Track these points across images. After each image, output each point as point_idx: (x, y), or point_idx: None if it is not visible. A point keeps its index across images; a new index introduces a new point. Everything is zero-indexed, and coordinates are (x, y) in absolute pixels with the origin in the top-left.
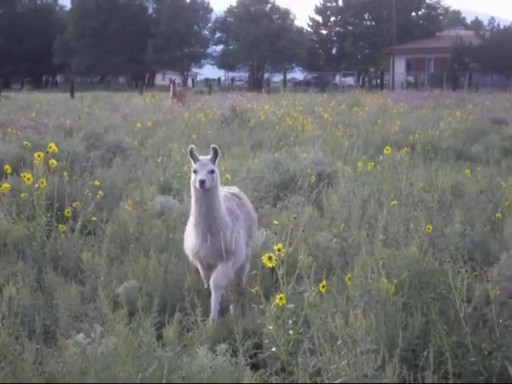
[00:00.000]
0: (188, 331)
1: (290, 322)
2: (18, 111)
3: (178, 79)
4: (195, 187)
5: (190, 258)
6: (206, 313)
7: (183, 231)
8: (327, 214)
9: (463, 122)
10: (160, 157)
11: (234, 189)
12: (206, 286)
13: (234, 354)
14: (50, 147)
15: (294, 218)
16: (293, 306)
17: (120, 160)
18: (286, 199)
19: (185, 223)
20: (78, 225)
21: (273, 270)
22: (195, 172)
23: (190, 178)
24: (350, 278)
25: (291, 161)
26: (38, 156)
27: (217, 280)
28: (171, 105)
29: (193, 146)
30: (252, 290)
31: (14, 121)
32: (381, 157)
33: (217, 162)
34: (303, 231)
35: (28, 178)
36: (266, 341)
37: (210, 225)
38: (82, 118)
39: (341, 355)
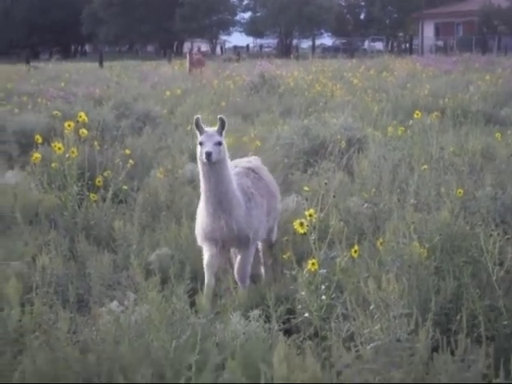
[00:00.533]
0: (221, 298)
1: (323, 287)
2: (46, 81)
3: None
4: (201, 160)
5: (201, 239)
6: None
7: None
8: (358, 180)
9: (493, 85)
10: (189, 125)
11: (254, 160)
12: (205, 261)
13: (267, 320)
14: (80, 116)
15: (325, 183)
16: (325, 271)
17: (150, 128)
18: (317, 165)
19: None
20: (110, 194)
21: (304, 235)
22: (201, 144)
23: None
24: (381, 243)
25: (321, 127)
26: (69, 125)
27: (240, 274)
28: (189, 73)
29: (199, 116)
30: (284, 256)
31: (43, 91)
32: (411, 121)
33: (224, 133)
34: (334, 197)
35: (59, 148)
36: (299, 306)
37: (220, 201)
38: (111, 87)
39: (374, 320)
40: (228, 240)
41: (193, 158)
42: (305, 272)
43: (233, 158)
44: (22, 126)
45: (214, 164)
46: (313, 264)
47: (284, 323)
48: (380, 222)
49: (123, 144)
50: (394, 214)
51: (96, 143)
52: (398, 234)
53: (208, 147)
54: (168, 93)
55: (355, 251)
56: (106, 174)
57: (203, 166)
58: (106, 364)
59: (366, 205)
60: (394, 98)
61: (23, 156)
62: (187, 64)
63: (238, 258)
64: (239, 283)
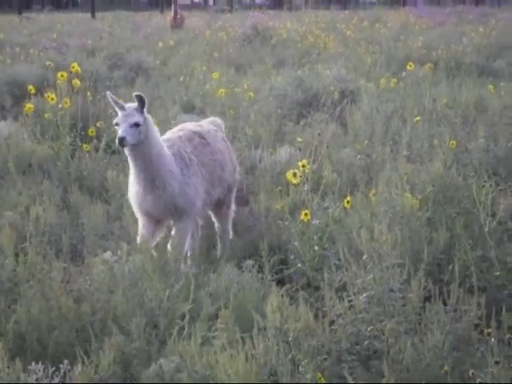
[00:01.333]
0: (214, 248)
1: (315, 237)
2: (39, 32)
3: None
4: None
5: (135, 209)
6: (233, 229)
7: None
8: (351, 131)
9: (486, 37)
10: (182, 76)
11: (208, 123)
12: (138, 237)
13: (260, 270)
14: (73, 67)
15: (318, 134)
16: (318, 221)
17: (142, 79)
18: (309, 116)
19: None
20: (102, 144)
21: (297, 186)
22: (117, 125)
23: (212, 96)
24: (374, 194)
25: (314, 78)
26: (62, 76)
27: (176, 249)
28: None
29: (108, 92)
30: (277, 207)
31: (35, 42)
32: (404, 73)
33: (145, 110)
34: (327, 148)
35: (52, 98)
36: (292, 257)
37: (152, 179)
38: (103, 38)
39: (366, 270)
40: (162, 212)
41: (186, 109)
42: (298, 222)
43: (225, 109)
44: (14, 76)
45: (134, 147)
46: (305, 214)
47: (277, 273)
48: (373, 173)
49: (116, 95)
50: (387, 165)
51: (89, 94)
52: (391, 185)
53: (121, 131)
54: (161, 44)
55: (348, 202)
56: (98, 124)
57: (125, 150)
58: (99, 313)
59: (358, 156)
60: (387, 49)
61: (16, 107)
62: (172, 12)
63: (173, 232)
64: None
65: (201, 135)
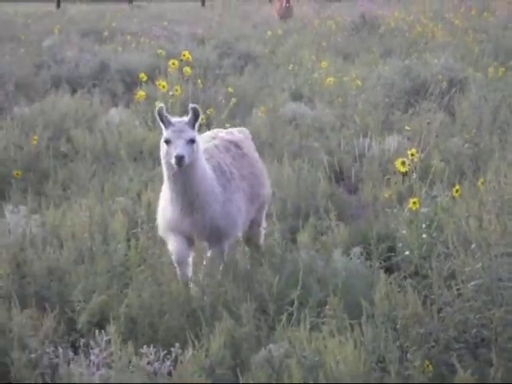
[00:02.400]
0: (322, 235)
1: (424, 226)
2: (149, 20)
3: None
4: (168, 163)
5: (164, 230)
6: (341, 217)
7: (316, 138)
8: (459, 120)
9: None
10: (291, 64)
11: (238, 132)
12: (173, 256)
13: (368, 257)
14: (184, 55)
15: (428, 123)
16: (426, 210)
17: (251, 68)
18: (417, 105)
19: (318, 129)
20: None
21: (406, 174)
22: (167, 142)
23: (320, 84)
24: (482, 183)
25: (422, 67)
26: (173, 64)
27: (210, 273)
28: (277, 15)
29: (162, 105)
30: (385, 195)
31: (146, 30)
32: None
33: (197, 125)
34: (436, 136)
35: (163, 86)
36: (400, 245)
37: (191, 202)
38: (213, 27)
39: (475, 258)
40: (200, 234)
41: (294, 97)
42: (406, 211)
43: (333, 97)
44: (125, 64)
45: (184, 168)
46: (414, 203)
47: (385, 261)
48: (481, 162)
49: (225, 83)
50: (495, 154)
51: (199, 81)
52: (499, 174)
53: (179, 149)
54: (269, 33)
55: (456, 191)
56: (208, 111)
57: (170, 167)
58: (209, 297)
59: (466, 145)
60: (494, 38)
61: (127, 94)
62: (277, 7)
63: (209, 254)
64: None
65: (237, 144)
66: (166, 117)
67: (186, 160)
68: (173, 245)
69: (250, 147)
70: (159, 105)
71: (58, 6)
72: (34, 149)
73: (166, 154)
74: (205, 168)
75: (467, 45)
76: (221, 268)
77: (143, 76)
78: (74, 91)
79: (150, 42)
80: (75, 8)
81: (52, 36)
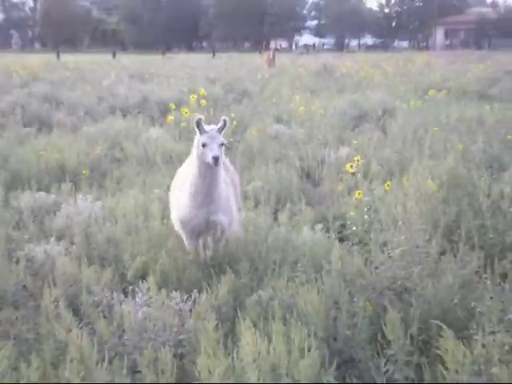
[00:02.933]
0: (295, 216)
1: (365, 209)
2: (176, 67)
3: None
4: (204, 162)
5: (179, 226)
6: (308, 203)
7: (292, 149)
8: (389, 137)
9: (484, 72)
10: (274, 98)
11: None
12: (190, 250)
13: (327, 231)
14: (201, 91)
15: (368, 139)
16: (367, 199)
17: (247, 100)
18: (361, 126)
19: (293, 143)
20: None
21: (353, 174)
22: (204, 146)
23: (295, 112)
24: (406, 180)
25: (364, 100)
26: (193, 97)
27: (214, 248)
28: (266, 65)
29: (200, 116)
30: (339, 188)
31: (174, 73)
32: (426, 97)
33: (222, 132)
34: (374, 148)
35: (186, 112)
36: (349, 222)
37: (210, 195)
38: (220, 72)
39: (400, 232)
40: (207, 227)
41: (277, 121)
42: (353, 199)
43: (303, 121)
44: (160, 97)
45: (218, 166)
46: (359, 194)
47: (338, 233)
48: (405, 166)
49: (229, 110)
50: (415, 161)
51: (211, 110)
52: (418, 175)
53: (215, 150)
54: (259, 76)
55: (387, 185)
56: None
57: (203, 165)
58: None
59: (395, 154)
60: (415, 80)
61: (161, 118)
62: (269, 55)
63: (212, 245)
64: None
65: (224, 162)
66: (202, 125)
67: (220, 160)
68: (187, 239)
69: (227, 161)
70: (198, 116)
71: (114, 56)
72: (96, 155)
73: (202, 155)
74: (221, 171)
75: (396, 85)
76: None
77: (172, 105)
78: (124, 116)
79: (177, 82)
80: (126, 58)
81: (109, 77)
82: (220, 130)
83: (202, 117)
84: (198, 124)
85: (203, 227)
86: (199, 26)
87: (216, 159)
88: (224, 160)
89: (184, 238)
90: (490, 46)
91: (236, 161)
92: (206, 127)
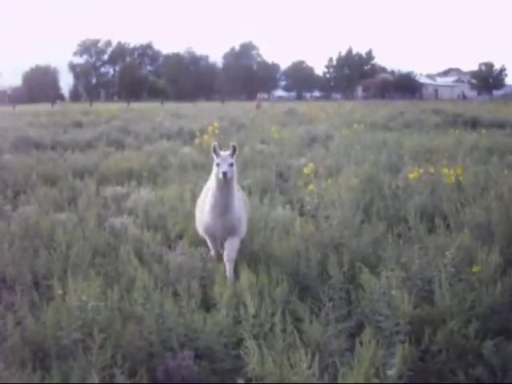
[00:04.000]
0: (272, 199)
1: (316, 196)
2: (200, 109)
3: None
4: (218, 177)
5: (203, 232)
6: (281, 192)
7: (270, 159)
8: (330, 152)
9: (387, 112)
10: (260, 128)
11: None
12: (213, 253)
13: (293, 209)
14: (214, 125)
15: (317, 152)
16: (316, 189)
17: (243, 130)
18: (313, 145)
19: (271, 155)
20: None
21: (308, 174)
22: (218, 165)
23: (272, 136)
24: (340, 179)
25: (314, 129)
26: (210, 128)
27: (229, 255)
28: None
29: (215, 143)
30: (299, 183)
31: (198, 114)
32: (352, 128)
33: (235, 157)
34: (321, 158)
35: (206, 138)
36: (306, 203)
37: (226, 205)
38: (227, 113)
39: (336, 209)
40: (225, 232)
41: (262, 142)
42: (308, 190)
43: (277, 142)
44: (190, 128)
45: (228, 180)
46: (311, 186)
47: (300, 210)
48: (339, 169)
49: (232, 136)
50: (345, 166)
51: (222, 136)
52: (347, 175)
53: (224, 168)
54: (250, 115)
55: (329, 181)
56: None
57: (219, 181)
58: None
59: (333, 162)
60: (345, 118)
61: (190, 141)
62: (256, 103)
63: (228, 244)
64: (227, 263)
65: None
66: (217, 150)
67: (228, 175)
68: (211, 245)
69: (239, 188)
70: (214, 143)
71: (162, 104)
72: (151, 164)
73: (217, 173)
74: (236, 185)
75: (333, 120)
76: (236, 252)
77: (196, 133)
78: (168, 139)
79: (200, 119)
80: (169, 105)
81: (159, 116)
82: (231, 154)
83: (217, 143)
84: (214, 149)
85: (221, 233)
86: (214, 84)
87: (224, 174)
88: (236, 185)
89: (208, 242)
90: (389, 97)
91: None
92: (221, 152)
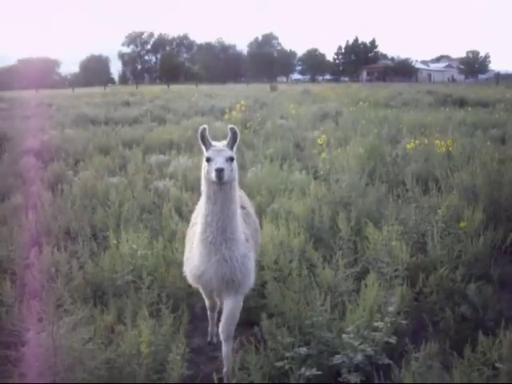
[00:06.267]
0: (291, 166)
1: (328, 162)
2: (228, 91)
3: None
4: (209, 179)
5: (191, 280)
6: (298, 159)
7: (289, 132)
8: (339, 125)
9: (387, 93)
10: (280, 106)
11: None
12: (207, 303)
13: (308, 174)
14: (241, 102)
15: (329, 127)
16: (328, 156)
17: (266, 107)
18: (324, 120)
19: (289, 128)
20: (251, 129)
21: (321, 145)
22: (208, 160)
23: (291, 113)
24: (348, 148)
25: (326, 107)
26: (238, 105)
27: (226, 330)
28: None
29: (204, 126)
30: (314, 151)
31: (227, 94)
32: (358, 106)
33: (235, 148)
34: (332, 132)
35: (235, 114)
36: (319, 169)
37: (223, 228)
38: (251, 93)
39: (345, 174)
40: (220, 283)
41: (281, 117)
42: (321, 157)
43: (295, 116)
44: (220, 106)
45: (224, 184)
46: (324, 155)
47: (314, 174)
48: (347, 141)
49: (256, 112)
50: (352, 138)
51: (247, 112)
52: (354, 145)
53: (219, 163)
54: (271, 95)
55: (339, 150)
56: (248, 124)
57: (210, 185)
58: None
59: (342, 135)
60: (351, 97)
61: (221, 116)
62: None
63: (225, 309)
64: (223, 341)
65: (242, 206)
66: (207, 139)
67: (225, 174)
68: (203, 294)
69: (248, 206)
70: (202, 126)
71: (196, 86)
72: (188, 136)
73: (207, 172)
74: (238, 197)
75: (342, 99)
76: (235, 323)
77: (226, 110)
78: (202, 115)
79: (229, 98)
80: (203, 87)
81: (194, 96)
82: (230, 144)
83: (206, 127)
84: (203, 136)
85: (217, 284)
86: (240, 69)
87: (219, 171)
88: (242, 202)
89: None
90: (389, 80)
91: (260, 139)
92: (214, 143)
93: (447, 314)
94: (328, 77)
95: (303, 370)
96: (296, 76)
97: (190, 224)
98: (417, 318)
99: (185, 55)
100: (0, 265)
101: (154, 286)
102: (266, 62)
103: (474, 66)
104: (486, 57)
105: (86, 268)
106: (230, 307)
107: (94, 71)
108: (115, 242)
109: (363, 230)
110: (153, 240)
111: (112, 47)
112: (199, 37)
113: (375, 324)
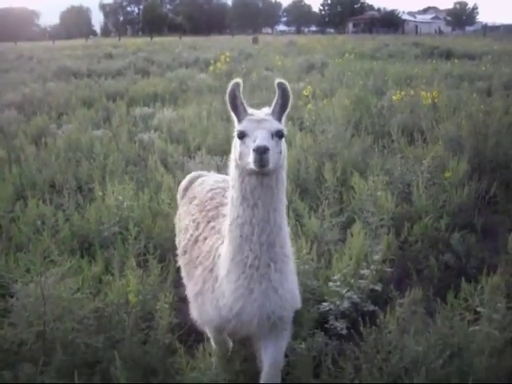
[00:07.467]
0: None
1: (313, 114)
2: (213, 43)
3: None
4: (243, 168)
5: (213, 328)
6: None
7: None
8: (325, 77)
9: (375, 44)
10: (265, 57)
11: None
12: (214, 345)
13: (294, 125)
14: (226, 54)
15: (314, 78)
16: (314, 108)
17: (251, 59)
18: (310, 72)
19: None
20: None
21: (307, 96)
22: (242, 136)
23: (274, 63)
24: (334, 99)
25: (311, 58)
26: (222, 57)
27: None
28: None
29: (238, 80)
30: (300, 103)
31: (212, 45)
32: (344, 57)
33: (284, 118)
34: (318, 83)
35: (219, 65)
36: (305, 120)
37: (269, 244)
38: (236, 45)
39: (331, 125)
40: (263, 323)
41: (266, 69)
42: (307, 108)
43: (280, 68)
44: (205, 57)
45: (268, 175)
46: (310, 106)
47: (300, 125)
48: (333, 92)
49: (241, 64)
50: (338, 89)
51: (232, 63)
52: (340, 96)
53: (260, 139)
54: (256, 46)
55: (325, 102)
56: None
57: (246, 177)
58: None
59: (328, 86)
60: (337, 49)
61: (206, 68)
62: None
63: (265, 361)
64: None
65: None
66: (241, 101)
67: (270, 156)
68: (212, 338)
69: None
70: (233, 81)
71: (180, 38)
72: (173, 87)
73: (240, 156)
74: (284, 202)
75: (327, 51)
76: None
77: (211, 61)
78: (186, 67)
79: (213, 49)
80: (187, 39)
81: (178, 48)
82: (276, 112)
83: (241, 82)
84: (234, 98)
85: (257, 327)
86: (225, 20)
87: (260, 152)
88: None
89: (211, 338)
90: (375, 32)
91: (245, 90)
92: (251, 109)
93: (431, 262)
94: (314, 28)
95: None
96: (281, 27)
97: (181, 244)
98: (401, 266)
99: (168, 6)
100: None
101: (141, 237)
102: (251, 13)
103: (461, 17)
104: (474, 8)
105: (72, 220)
106: (274, 356)
107: (74, 23)
108: (101, 194)
109: (349, 180)
110: (139, 192)
111: None
112: None
113: (361, 272)
